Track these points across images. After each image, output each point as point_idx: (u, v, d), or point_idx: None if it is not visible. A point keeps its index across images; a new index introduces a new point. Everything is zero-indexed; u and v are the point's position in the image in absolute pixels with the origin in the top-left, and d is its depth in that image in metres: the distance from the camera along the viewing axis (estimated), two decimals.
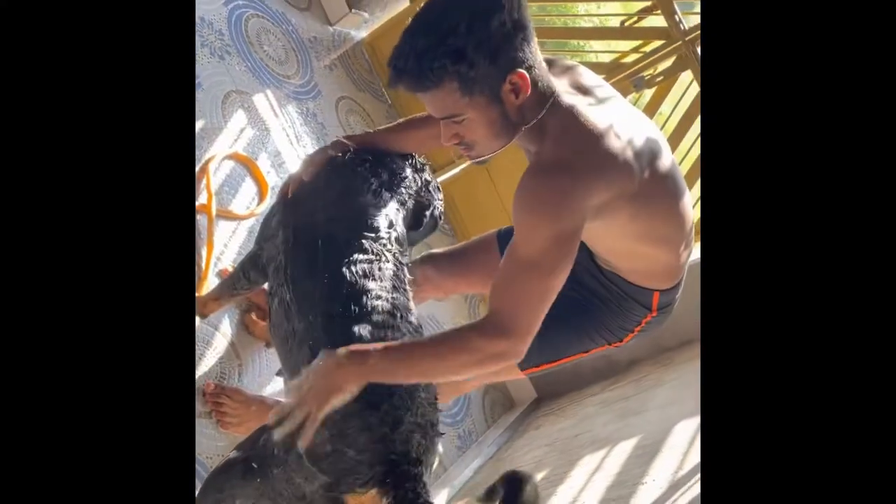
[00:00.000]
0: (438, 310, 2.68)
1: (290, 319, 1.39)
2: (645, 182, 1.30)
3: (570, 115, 1.27)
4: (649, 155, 1.33)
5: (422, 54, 1.17)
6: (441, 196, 1.76)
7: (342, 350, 1.20)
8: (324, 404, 1.18)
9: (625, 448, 2.02)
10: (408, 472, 1.22)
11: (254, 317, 1.96)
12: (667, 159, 1.39)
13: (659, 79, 2.62)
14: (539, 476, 2.12)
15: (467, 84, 1.20)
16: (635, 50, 2.78)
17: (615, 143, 1.27)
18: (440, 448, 2.41)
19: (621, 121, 1.31)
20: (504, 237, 1.81)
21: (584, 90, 1.36)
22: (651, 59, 2.58)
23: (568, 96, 1.31)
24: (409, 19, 1.25)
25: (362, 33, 3.25)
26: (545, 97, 1.28)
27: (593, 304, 1.57)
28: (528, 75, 1.23)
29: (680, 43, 2.48)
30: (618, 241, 1.43)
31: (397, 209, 1.55)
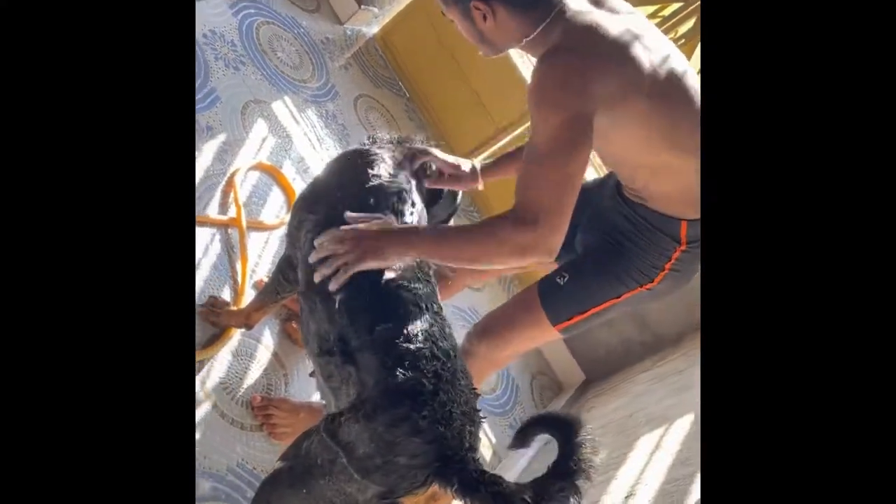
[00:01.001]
0: (477, 300, 2.65)
1: (316, 316, 1.38)
2: (660, 79, 1.34)
3: (575, 20, 1.34)
4: (663, 54, 1.37)
5: None
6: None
7: (392, 220, 1.37)
8: (361, 260, 1.28)
9: (683, 425, 1.96)
10: (466, 459, 1.19)
11: (294, 325, 1.95)
12: (684, 65, 1.41)
13: (680, 42, 2.55)
14: (597, 459, 2.08)
15: None
16: (654, 14, 2.71)
17: (623, 36, 1.32)
18: (493, 438, 2.39)
19: (633, 24, 1.36)
20: None
21: (599, 3, 1.41)
22: (670, 22, 2.52)
23: (577, 10, 1.36)
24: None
25: (374, 29, 3.21)
26: (539, 17, 1.35)
27: (620, 244, 1.56)
28: (487, 7, 1.35)
29: (698, 4, 2.40)
30: (644, 150, 1.42)
31: (417, 188, 1.54)
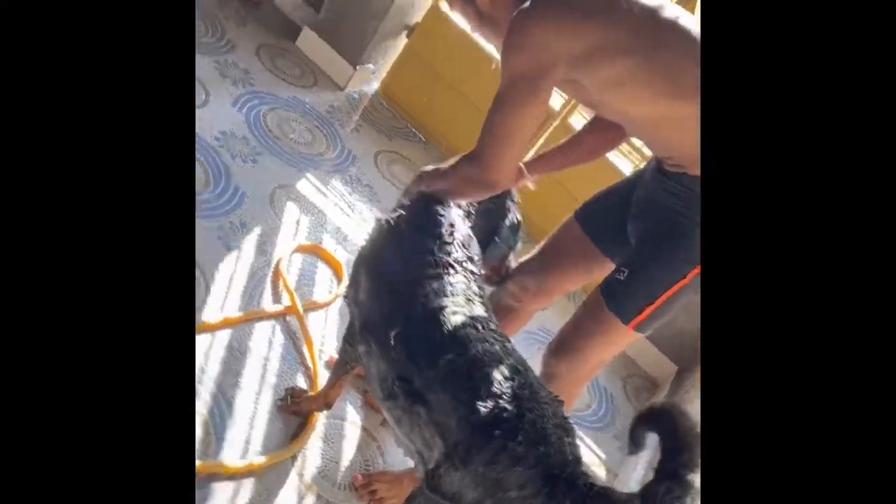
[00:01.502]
0: (545, 318, 2.59)
1: (377, 363, 1.37)
2: (650, 32, 1.34)
3: None
4: (649, 6, 1.35)
5: None
6: (515, 205, 1.71)
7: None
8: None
9: None
10: (573, 474, 1.15)
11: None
12: (675, 11, 1.38)
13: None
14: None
15: None
16: None
17: None
18: (602, 455, 2.31)
19: None
20: (582, 215, 1.76)
21: None
22: None
23: None
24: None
25: (374, 85, 3.25)
26: None
27: (672, 222, 1.49)
28: None
29: None
30: (657, 106, 1.40)
31: (461, 217, 1.53)
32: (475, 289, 1.42)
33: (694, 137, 1.41)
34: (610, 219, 1.64)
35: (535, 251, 1.82)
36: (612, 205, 1.67)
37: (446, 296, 1.34)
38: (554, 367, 1.62)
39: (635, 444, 1.20)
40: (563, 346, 1.62)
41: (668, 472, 1.06)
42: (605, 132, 1.71)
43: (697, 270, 1.48)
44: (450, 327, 1.29)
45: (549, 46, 1.32)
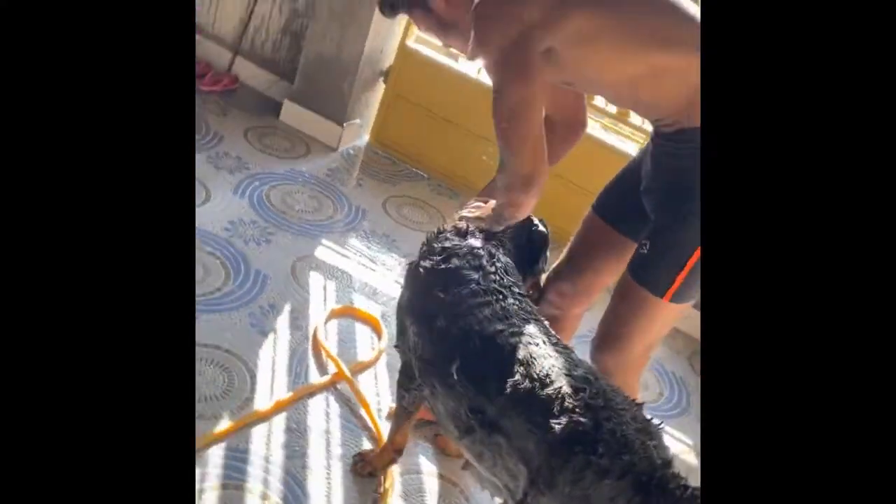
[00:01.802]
0: (590, 319, 2.52)
1: (444, 402, 1.35)
2: None
3: None
4: None
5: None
6: (535, 219, 1.68)
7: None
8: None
9: None
10: (664, 478, 1.09)
11: (442, 436, 1.89)
12: None
13: None
14: None
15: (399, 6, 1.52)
16: None
17: None
18: (689, 441, 2.22)
19: None
20: (599, 206, 1.71)
21: None
22: None
23: None
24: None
25: (365, 137, 3.26)
26: None
27: (682, 182, 1.43)
28: None
29: None
30: (631, 60, 1.39)
31: (494, 246, 1.52)
32: (528, 308, 1.39)
33: (677, 87, 1.39)
34: (626, 202, 1.60)
35: (563, 254, 1.78)
36: (625, 188, 1.63)
37: (500, 320, 1.32)
38: (603, 364, 1.56)
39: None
40: (606, 340, 1.56)
41: None
42: (560, 127, 1.68)
43: None
44: (510, 349, 1.26)
45: (519, 16, 1.34)
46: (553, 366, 1.22)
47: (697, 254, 1.43)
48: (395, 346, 1.62)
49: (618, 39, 1.37)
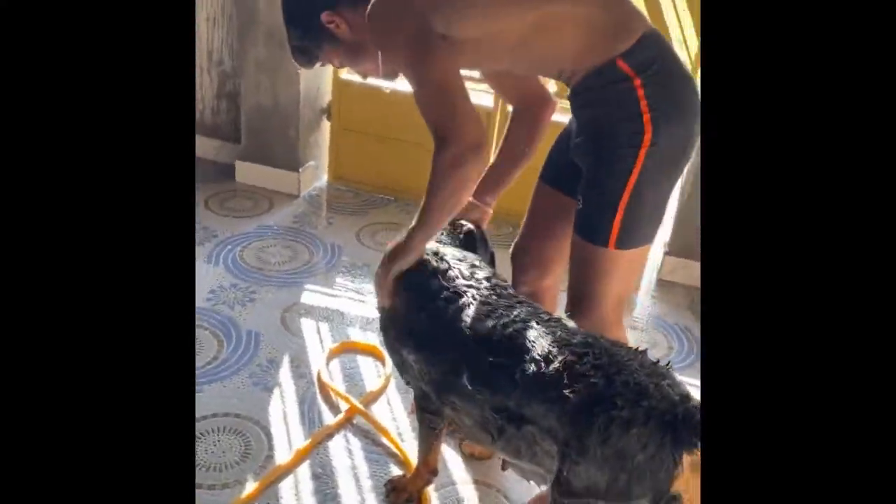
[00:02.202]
0: None
1: (469, 414, 1.36)
2: None
3: None
4: None
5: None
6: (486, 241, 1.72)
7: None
8: (389, 272, 1.48)
9: None
10: (687, 411, 1.10)
11: (467, 442, 1.88)
12: None
13: None
14: None
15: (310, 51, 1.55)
16: None
17: None
18: None
19: None
20: (544, 173, 1.74)
21: None
22: None
23: None
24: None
25: (323, 176, 3.28)
26: None
27: (595, 129, 1.47)
28: (332, 15, 1.45)
29: None
30: (520, 15, 1.41)
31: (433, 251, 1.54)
32: (505, 292, 1.41)
33: (565, 37, 1.42)
34: (564, 162, 1.61)
35: (520, 230, 1.80)
36: (562, 149, 1.65)
37: (487, 316, 1.33)
38: (581, 328, 1.55)
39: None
40: (574, 304, 1.56)
41: None
42: (528, 113, 1.70)
43: (640, 162, 1.41)
44: (508, 341, 1.27)
45: (409, 5, 1.37)
46: (552, 342, 1.23)
47: (627, 195, 1.43)
48: (406, 383, 1.62)
49: (495, 9, 1.40)
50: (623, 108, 1.41)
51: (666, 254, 2.82)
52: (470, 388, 1.30)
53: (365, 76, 1.63)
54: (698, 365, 2.34)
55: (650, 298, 2.72)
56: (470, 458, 1.87)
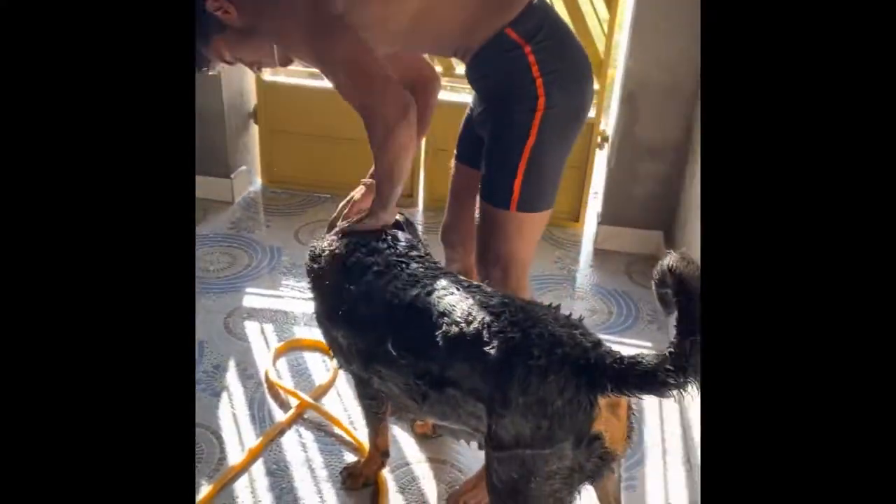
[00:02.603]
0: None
1: (395, 382, 1.39)
2: None
3: None
4: None
5: None
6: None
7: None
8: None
9: None
10: (599, 356, 1.15)
11: (418, 422, 1.92)
12: None
13: None
14: None
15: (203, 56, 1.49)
16: None
17: None
18: (649, 344, 2.30)
19: None
20: (459, 153, 1.77)
21: None
22: None
23: None
24: None
25: (257, 179, 3.26)
26: None
27: (493, 98, 1.53)
28: (219, 1, 1.41)
29: None
30: (393, 8, 1.44)
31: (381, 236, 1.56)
32: (432, 266, 1.46)
33: (451, 14, 1.46)
34: (473, 137, 1.66)
35: (445, 210, 1.85)
36: (469, 125, 1.70)
37: (412, 285, 1.37)
38: (497, 281, 1.59)
39: (667, 306, 1.18)
40: (482, 266, 1.62)
41: (689, 327, 1.05)
42: (419, 93, 1.65)
43: (536, 125, 1.47)
44: (430, 307, 1.31)
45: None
46: (471, 304, 1.27)
47: (525, 158, 1.49)
48: (339, 368, 1.64)
49: None
50: (516, 74, 1.46)
51: (599, 223, 2.90)
52: (394, 353, 1.33)
53: (257, 68, 1.58)
54: (638, 327, 2.42)
55: (588, 268, 2.80)
56: (423, 438, 1.90)
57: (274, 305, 2.42)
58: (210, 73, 1.58)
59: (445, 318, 1.27)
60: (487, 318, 1.23)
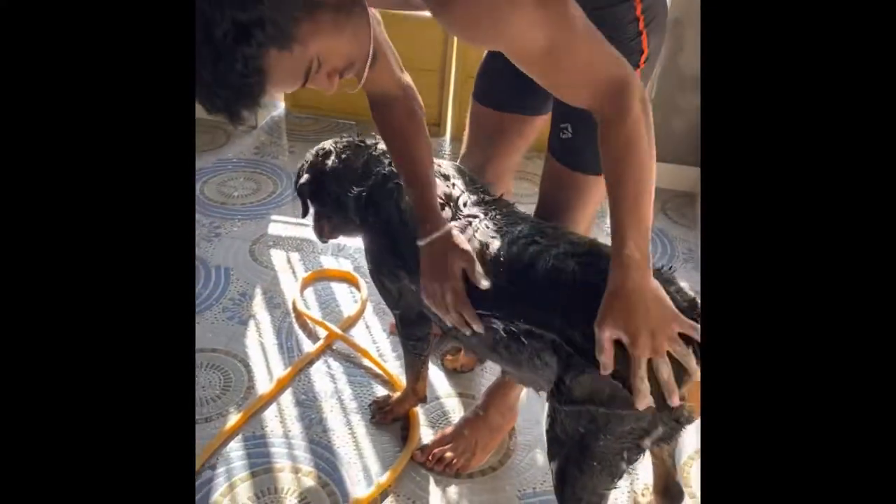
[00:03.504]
0: None
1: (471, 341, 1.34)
2: None
3: None
4: None
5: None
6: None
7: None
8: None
9: None
10: (695, 319, 1.09)
11: (449, 356, 1.89)
12: None
13: None
14: None
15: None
16: None
17: None
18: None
19: None
20: (481, 95, 1.59)
21: None
22: None
23: None
24: None
25: (281, 104, 3.17)
26: None
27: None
28: None
29: None
30: None
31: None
32: (512, 210, 1.38)
33: None
34: (508, 80, 1.38)
35: (463, 149, 1.69)
36: (499, 69, 1.39)
37: (495, 237, 1.29)
38: None
39: None
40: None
41: None
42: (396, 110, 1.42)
43: (638, 74, 1.25)
44: (515, 260, 1.24)
45: None
46: (524, 235, 1.25)
47: None
48: (393, 311, 1.60)
49: None
50: (621, 29, 1.27)
51: None
52: (480, 311, 1.26)
53: (358, 77, 1.00)
54: (674, 266, 2.35)
55: None
56: (452, 373, 1.87)
57: (300, 234, 2.37)
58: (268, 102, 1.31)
59: (531, 270, 1.20)
60: (579, 271, 1.17)
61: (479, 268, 1.25)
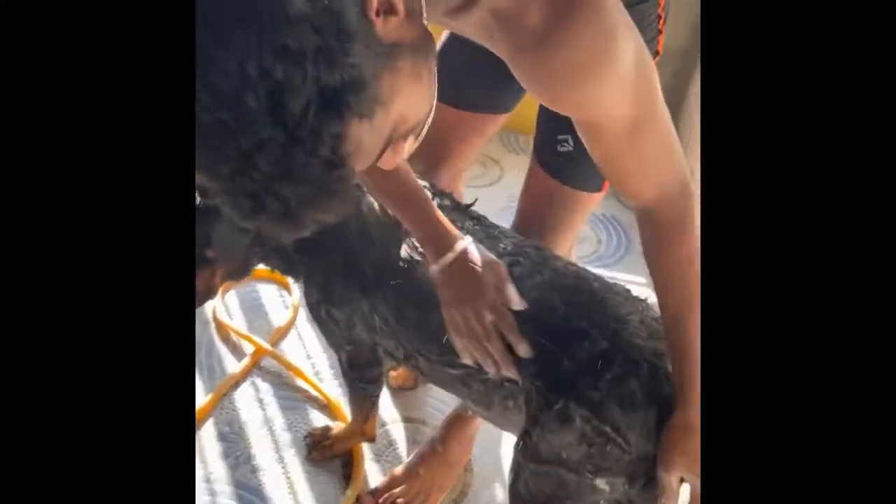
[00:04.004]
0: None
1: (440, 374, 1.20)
2: None
3: None
4: None
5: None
6: None
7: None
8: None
9: None
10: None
11: (393, 373, 1.69)
12: None
13: None
14: None
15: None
16: None
17: None
18: (642, 279, 2.11)
19: None
20: (442, 93, 1.37)
21: None
22: None
23: None
24: None
25: None
26: None
27: None
28: None
29: None
30: None
31: None
32: (491, 223, 1.23)
33: None
34: (478, 76, 1.25)
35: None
36: (470, 61, 1.17)
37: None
38: None
39: None
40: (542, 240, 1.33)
41: None
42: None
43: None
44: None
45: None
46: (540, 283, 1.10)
47: None
48: (330, 345, 1.41)
49: None
50: (646, 28, 1.13)
51: None
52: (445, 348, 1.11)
53: (416, 136, 0.75)
54: (629, 259, 2.22)
55: None
56: (396, 391, 1.68)
57: None
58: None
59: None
60: (562, 311, 1.04)
61: (511, 285, 1.05)
